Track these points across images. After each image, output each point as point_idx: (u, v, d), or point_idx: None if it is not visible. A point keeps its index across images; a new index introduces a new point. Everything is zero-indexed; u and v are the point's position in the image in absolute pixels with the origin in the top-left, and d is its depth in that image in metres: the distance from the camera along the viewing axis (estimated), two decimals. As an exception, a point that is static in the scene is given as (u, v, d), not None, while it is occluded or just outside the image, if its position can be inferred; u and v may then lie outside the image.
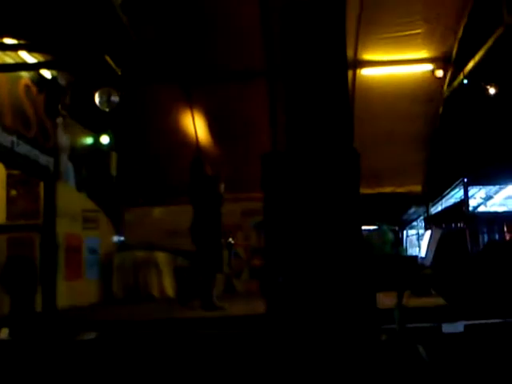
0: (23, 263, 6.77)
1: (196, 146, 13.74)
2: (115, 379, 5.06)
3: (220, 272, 8.71)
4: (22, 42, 7.86)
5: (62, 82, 10.19)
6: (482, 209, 15.80)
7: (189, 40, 11.62)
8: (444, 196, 15.51)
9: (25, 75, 8.71)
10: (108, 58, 6.79)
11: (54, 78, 9.82)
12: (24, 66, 8.62)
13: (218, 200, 8.71)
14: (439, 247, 9.32)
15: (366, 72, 12.53)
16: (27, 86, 8.76)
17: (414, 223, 18.52)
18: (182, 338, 6.18)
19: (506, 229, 15.07)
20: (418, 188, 14.83)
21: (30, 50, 8.30)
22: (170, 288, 11.96)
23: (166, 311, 8.90)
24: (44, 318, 6.45)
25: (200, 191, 8.77)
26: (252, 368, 4.80)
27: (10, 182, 9.29)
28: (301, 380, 4.18)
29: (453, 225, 13.48)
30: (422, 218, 16.51)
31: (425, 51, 12.07)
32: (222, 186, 8.69)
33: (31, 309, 6.29)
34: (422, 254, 12.05)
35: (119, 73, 7.24)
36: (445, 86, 12.86)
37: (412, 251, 17.48)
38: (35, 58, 8.68)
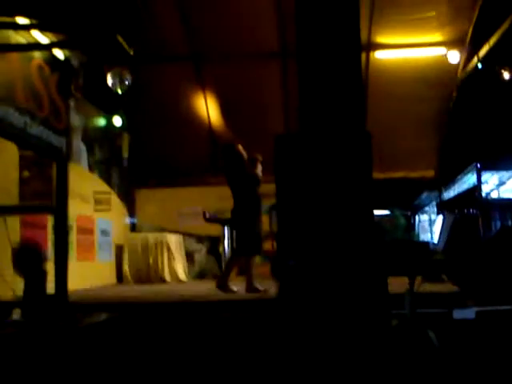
0: (35, 246, 6.78)
1: (208, 126, 13.72)
2: (127, 361, 5.07)
3: (258, 254, 8.69)
4: (34, 21, 7.84)
5: (74, 62, 10.18)
6: (494, 194, 15.70)
7: (202, 19, 11.58)
8: (457, 181, 15.41)
9: (37, 55, 8.67)
10: (120, 38, 6.76)
11: (66, 58, 9.80)
12: (36, 46, 8.59)
13: (254, 183, 8.69)
14: (451, 233, 9.28)
15: (379, 55, 12.46)
16: (40, 67, 8.73)
17: (427, 208, 18.43)
18: (193, 320, 6.19)
19: (518, 215, 14.99)
20: (430, 173, 14.76)
21: (43, 29, 8.28)
22: (181, 270, 12.00)
23: (176, 293, 8.94)
24: (56, 299, 6.47)
25: (236, 176, 8.74)
26: (263, 351, 4.81)
27: (23, 163, 9.29)
28: (311, 364, 4.18)
29: (465, 210, 13.42)
30: (434, 203, 16.42)
31: (439, 34, 11.98)
32: (259, 169, 8.63)
33: (43, 290, 6.30)
34: (434, 239, 12.02)
35: (131, 53, 7.22)
36: (459, 70, 12.77)
37: (424, 237, 17.39)
38: (48, 37, 8.66)
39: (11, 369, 4.57)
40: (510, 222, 13.94)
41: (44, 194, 8.94)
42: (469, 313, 5.77)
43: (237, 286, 8.71)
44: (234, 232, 9.15)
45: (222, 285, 8.29)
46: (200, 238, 12.64)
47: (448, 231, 9.18)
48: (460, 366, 4.60)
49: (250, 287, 8.27)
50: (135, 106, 12.79)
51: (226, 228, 9.87)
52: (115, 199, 12.14)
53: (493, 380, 4.42)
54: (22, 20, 7.59)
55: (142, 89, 11.97)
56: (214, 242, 11.36)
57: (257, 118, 12.86)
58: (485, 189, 14.32)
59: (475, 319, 5.74)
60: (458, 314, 5.74)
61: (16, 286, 6.40)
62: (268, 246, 11.84)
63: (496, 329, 5.47)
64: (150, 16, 10.66)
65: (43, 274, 6.38)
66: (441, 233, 10.07)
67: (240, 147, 8.81)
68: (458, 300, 6.21)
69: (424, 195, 16.67)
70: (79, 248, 9.94)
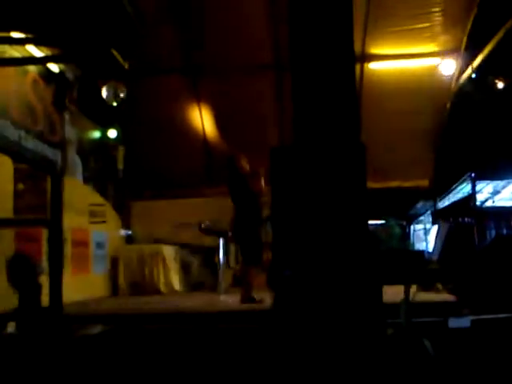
0: (29, 259, 6.78)
1: (203, 138, 13.74)
2: (122, 373, 5.07)
3: (258, 266, 8.73)
4: (29, 35, 7.86)
5: (69, 75, 10.19)
6: (489, 203, 15.74)
7: (196, 32, 11.62)
8: (451, 190, 15.45)
9: (32, 69, 8.69)
10: (115, 52, 6.78)
11: (61, 72, 9.81)
12: (31, 59, 8.61)
13: (254, 197, 8.74)
14: (446, 242, 9.29)
15: (373, 66, 12.49)
16: (35, 80, 8.74)
17: (422, 218, 18.46)
18: (188, 331, 6.19)
19: (513, 223, 15.01)
20: (425, 182, 14.77)
21: (37, 43, 8.29)
22: (176, 282, 11.98)
23: (172, 304, 8.93)
24: (50, 312, 6.46)
25: (236, 189, 8.86)
26: (258, 361, 4.80)
27: (17, 176, 9.29)
28: (306, 373, 4.18)
29: (460, 219, 13.44)
30: (429, 212, 16.45)
31: (433, 45, 12.02)
32: (262, 183, 8.68)
33: (37, 303, 6.29)
34: (429, 248, 12.02)
35: (126, 66, 7.24)
36: (453, 80, 12.81)
37: (419, 246, 17.43)
38: (42, 51, 8.67)
39: (7, 381, 4.56)
40: (504, 231, 13.97)
41: (38, 207, 8.93)
42: (464, 321, 5.78)
43: (231, 297, 8.74)
44: (237, 243, 9.28)
45: (247, 299, 8.32)
46: (195, 250, 12.61)
47: (443, 240, 9.19)
48: (456, 375, 4.60)
49: (246, 298, 8.29)
50: (130, 118, 12.80)
51: (221, 239, 9.87)
52: (110, 211, 12.12)
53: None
54: (16, 34, 7.60)
55: (137, 101, 11.99)
56: (210, 253, 11.34)
57: (252, 130, 12.88)
58: (479, 198, 14.37)
59: (470, 328, 5.74)
60: (453, 322, 5.75)
61: (11, 299, 6.38)
62: (264, 256, 11.86)
63: (491, 337, 5.48)
64: (146, 29, 10.69)
65: (38, 287, 6.37)
66: (436, 242, 10.08)
67: (243, 160, 8.89)
68: (453, 309, 6.21)
69: (419, 205, 16.70)
70: (74, 261, 9.92)
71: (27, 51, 8.41)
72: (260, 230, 8.70)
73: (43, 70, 9.06)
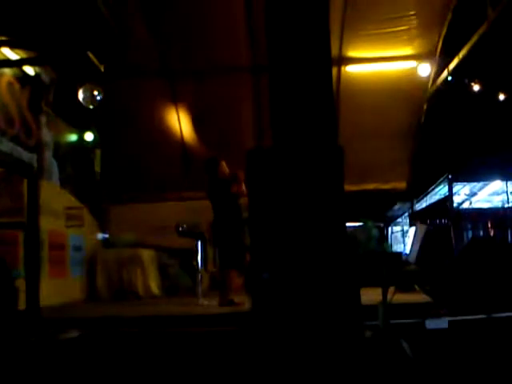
0: (5, 262, 6.73)
1: (181, 141, 13.72)
2: (99, 377, 5.04)
3: (238, 269, 8.73)
4: (4, 38, 7.81)
5: (45, 78, 10.13)
6: (466, 205, 15.87)
7: (173, 34, 11.60)
8: (428, 192, 15.59)
9: (7, 72, 8.65)
10: (91, 55, 6.76)
11: (37, 74, 9.76)
12: (6, 62, 8.56)
13: (234, 200, 8.76)
14: (424, 243, 9.36)
15: (350, 69, 12.54)
16: (10, 83, 8.70)
17: (399, 220, 18.60)
18: (167, 335, 6.17)
19: (490, 225, 15.16)
20: (402, 185, 14.85)
21: (13, 46, 8.24)
22: (154, 285, 11.94)
23: (151, 308, 8.90)
24: (27, 315, 6.42)
25: (215, 191, 8.88)
26: (238, 364, 4.80)
27: (-7, 180, 9.22)
28: (286, 376, 4.18)
29: (437, 221, 13.56)
30: (406, 214, 16.58)
31: (409, 48, 12.09)
32: (242, 186, 8.66)
33: (14, 307, 6.25)
34: (407, 250, 12.10)
35: (102, 69, 7.22)
36: (429, 83, 12.90)
37: (397, 248, 17.55)
38: (18, 54, 8.62)
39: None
40: (481, 232, 14.10)
41: (15, 210, 8.86)
42: (442, 323, 5.81)
43: (210, 300, 8.73)
44: (215, 246, 9.30)
45: (226, 302, 8.32)
46: (174, 253, 12.58)
47: (420, 242, 9.27)
48: (434, 376, 4.63)
49: (224, 300, 8.29)
50: (107, 121, 12.73)
51: (199, 242, 9.85)
52: (87, 215, 12.06)
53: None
54: (-9, 37, 7.56)
55: (114, 104, 11.92)
56: (188, 257, 11.30)
57: (230, 132, 12.89)
58: (456, 200, 14.50)
59: (448, 329, 5.78)
60: (430, 323, 5.78)
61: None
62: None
63: (469, 338, 5.51)
64: (122, 33, 10.66)
65: (14, 291, 6.32)
66: (413, 243, 10.16)
67: (222, 163, 8.91)
68: (430, 310, 6.24)
69: (396, 207, 16.82)
70: (51, 264, 9.85)
71: (2, 54, 8.37)
72: (240, 233, 8.70)
73: (19, 73, 9.03)
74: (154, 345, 5.86)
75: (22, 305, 6.52)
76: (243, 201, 8.37)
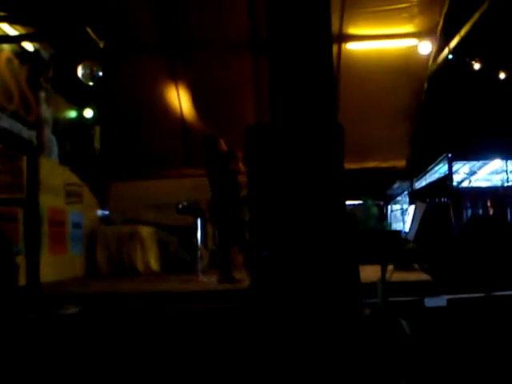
0: (5, 239, 6.74)
1: (181, 118, 13.67)
2: (99, 353, 5.06)
3: (238, 246, 8.73)
4: (3, 14, 7.76)
5: (44, 55, 10.09)
6: (465, 184, 15.87)
7: (173, 10, 11.51)
8: (428, 171, 15.58)
9: (6, 48, 8.60)
10: (90, 30, 6.72)
11: (36, 50, 9.71)
12: (5, 38, 8.52)
13: (233, 177, 8.76)
14: (423, 222, 9.37)
15: (351, 46, 12.46)
16: (9, 59, 8.66)
17: (399, 198, 18.61)
18: (166, 311, 6.19)
19: (489, 204, 15.16)
20: (402, 163, 14.82)
21: (12, 22, 8.19)
22: (154, 262, 11.98)
23: (150, 285, 8.94)
24: (27, 292, 6.44)
25: (214, 169, 8.84)
26: (238, 341, 4.82)
27: (-8, 156, 9.22)
28: (285, 354, 4.20)
29: (437, 200, 13.56)
30: (406, 192, 16.57)
31: (410, 26, 12.01)
32: (240, 164, 8.67)
33: (14, 283, 6.27)
34: (406, 228, 12.12)
35: (101, 45, 7.18)
36: (430, 61, 12.84)
37: (396, 226, 17.57)
38: (17, 30, 8.58)
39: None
40: (481, 211, 14.11)
41: (14, 186, 8.87)
42: (440, 301, 5.84)
43: (209, 277, 8.77)
44: (214, 224, 9.31)
45: (226, 278, 8.34)
46: (173, 230, 12.59)
47: (419, 220, 9.27)
48: (432, 354, 4.65)
49: (223, 277, 8.31)
50: (106, 98, 12.68)
51: (199, 219, 9.86)
52: (87, 192, 12.07)
53: (464, 366, 4.48)
54: (-10, 13, 7.51)
55: (114, 81, 11.87)
56: (188, 234, 11.31)
57: (230, 109, 12.83)
58: (456, 178, 14.50)
59: (447, 307, 5.80)
60: (429, 302, 5.81)
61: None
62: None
63: (467, 316, 5.54)
64: (121, 8, 10.59)
65: (15, 267, 6.34)
66: (412, 222, 10.16)
67: (221, 140, 8.89)
68: (429, 288, 6.27)
69: (396, 185, 16.82)
70: (51, 241, 9.88)
71: (1, 30, 8.32)
72: (239, 210, 8.70)
73: (18, 49, 8.98)
74: (153, 321, 5.89)
75: (22, 281, 6.55)
76: (242, 178, 8.37)
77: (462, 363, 4.53)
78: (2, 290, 6.03)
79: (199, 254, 9.76)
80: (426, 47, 12.08)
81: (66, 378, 4.64)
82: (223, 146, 8.94)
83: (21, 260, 6.71)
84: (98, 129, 13.18)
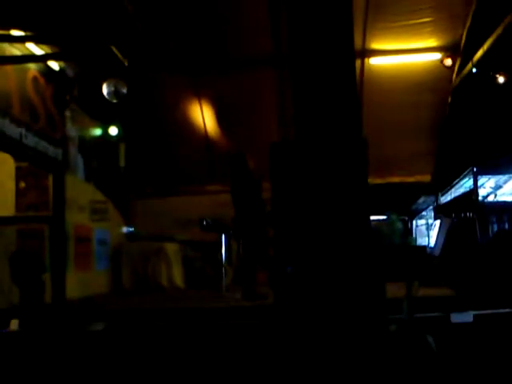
0: (31, 255, 6.80)
1: (204, 135, 13.74)
2: (124, 369, 5.07)
3: (262, 263, 8.70)
4: (29, 33, 7.86)
5: (69, 73, 10.20)
6: (491, 198, 15.71)
7: (196, 28, 11.57)
8: (453, 185, 15.43)
9: (32, 67, 8.71)
10: (114, 49, 6.78)
11: (61, 69, 9.83)
12: (32, 57, 8.63)
13: (257, 193, 8.71)
14: (448, 237, 9.30)
15: (374, 61, 12.46)
16: (35, 78, 8.76)
17: (424, 213, 18.46)
18: (190, 327, 6.19)
19: (514, 218, 14.99)
20: (427, 177, 14.76)
21: (38, 41, 8.30)
22: (178, 278, 11.99)
23: (175, 301, 8.95)
24: (53, 308, 6.48)
25: (242, 190, 8.74)
26: (261, 357, 4.81)
27: (19, 174, 9.31)
28: (310, 370, 4.18)
29: (462, 214, 13.43)
30: (431, 207, 16.45)
31: (433, 40, 11.99)
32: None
33: (41, 300, 6.31)
34: (432, 243, 12.02)
35: (126, 63, 7.24)
36: (453, 75, 12.79)
37: (421, 241, 17.42)
38: (42, 49, 8.69)
39: (10, 378, 4.57)
40: (507, 225, 13.96)
41: (41, 204, 8.95)
42: (466, 316, 5.78)
43: (234, 293, 8.76)
44: (239, 240, 9.30)
45: (250, 295, 8.31)
46: (198, 246, 12.61)
47: (445, 235, 9.19)
48: (459, 370, 4.61)
49: (248, 294, 8.29)
50: (131, 115, 12.78)
51: (223, 235, 9.87)
52: (112, 209, 12.13)
53: (491, 382, 4.43)
54: (16, 32, 7.61)
55: (138, 98, 11.96)
56: (212, 250, 11.33)
57: (253, 126, 12.87)
58: (481, 193, 14.35)
59: (473, 323, 5.74)
60: (455, 317, 5.75)
61: (14, 296, 6.40)
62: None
63: (494, 332, 5.48)
64: (146, 27, 10.68)
65: (41, 284, 6.39)
66: (437, 237, 10.08)
67: (249, 157, 8.86)
68: (455, 304, 6.21)
69: (421, 200, 16.68)
70: (76, 258, 9.93)
71: (27, 49, 8.43)
72: (264, 227, 8.66)
73: (44, 68, 9.09)
74: (178, 337, 5.89)
75: (47, 298, 6.60)
76: (266, 195, 8.36)
77: (488, 380, 4.49)
78: (28, 308, 6.08)
79: (223, 270, 9.76)
80: (449, 61, 12.04)
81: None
82: (251, 163, 8.89)
83: (46, 277, 6.76)
84: (122, 146, 13.27)
